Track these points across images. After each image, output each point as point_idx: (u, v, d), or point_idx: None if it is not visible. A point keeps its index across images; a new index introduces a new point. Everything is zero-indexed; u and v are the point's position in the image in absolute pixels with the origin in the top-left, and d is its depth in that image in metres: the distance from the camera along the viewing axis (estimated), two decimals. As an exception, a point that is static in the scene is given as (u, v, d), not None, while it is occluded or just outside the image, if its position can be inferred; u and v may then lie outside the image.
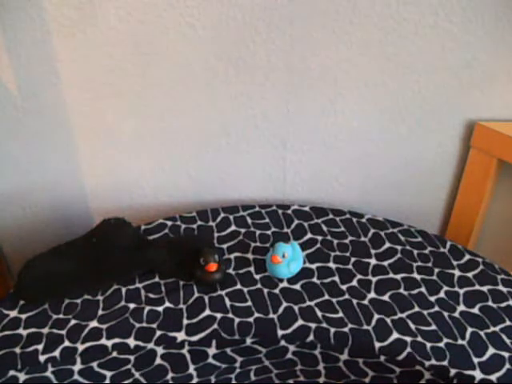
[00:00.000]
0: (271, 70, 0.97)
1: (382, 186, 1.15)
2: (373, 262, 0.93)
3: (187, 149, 1.07)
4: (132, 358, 0.77)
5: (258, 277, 0.88)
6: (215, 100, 1.00)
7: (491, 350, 0.75)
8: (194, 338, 0.77)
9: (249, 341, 0.78)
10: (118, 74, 0.95)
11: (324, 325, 0.79)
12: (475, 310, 0.82)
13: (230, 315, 0.80)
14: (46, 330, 0.78)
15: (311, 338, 0.77)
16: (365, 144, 1.08)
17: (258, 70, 0.97)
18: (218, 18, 0.91)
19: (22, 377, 0.72)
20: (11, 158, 1.02)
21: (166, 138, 1.04)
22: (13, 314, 0.81)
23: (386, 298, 0.85)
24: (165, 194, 1.13)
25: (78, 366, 0.75)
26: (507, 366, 0.73)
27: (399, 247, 0.96)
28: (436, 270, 0.91)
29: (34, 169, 1.05)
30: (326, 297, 0.84)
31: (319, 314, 0.81)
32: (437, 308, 0.83)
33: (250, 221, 1.03)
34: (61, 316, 0.80)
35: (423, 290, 0.86)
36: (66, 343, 0.75)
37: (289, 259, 0.86)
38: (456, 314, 0.82)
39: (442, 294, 0.85)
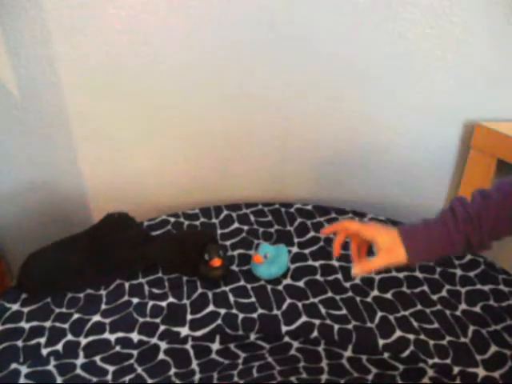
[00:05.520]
0: (271, 70, 0.98)
1: (383, 186, 1.15)
2: (375, 260, 0.93)
3: (188, 148, 1.07)
4: (135, 352, 0.76)
5: (261, 273, 0.88)
6: (216, 99, 1.01)
7: (493, 348, 0.76)
8: (198, 333, 0.77)
9: (253, 336, 0.78)
10: (117, 74, 0.95)
11: (328, 321, 0.79)
12: (477, 309, 0.83)
13: (234, 311, 0.80)
14: (48, 324, 0.77)
15: (315, 334, 0.77)
16: (366, 144, 1.09)
17: (258, 70, 0.98)
18: (218, 18, 0.91)
19: (24, 370, 0.71)
20: (11, 157, 1.02)
21: (166, 137, 1.04)
22: (15, 307, 0.80)
23: (388, 295, 0.85)
24: (165, 194, 1.13)
25: (80, 360, 0.74)
26: (510, 363, 0.73)
27: (401, 246, 0.96)
28: (438, 269, 0.91)
29: (34, 169, 1.04)
30: (330, 294, 0.84)
31: (323, 310, 0.81)
32: (439, 306, 0.83)
33: (253, 218, 1.03)
34: (63, 310, 0.80)
35: (425, 288, 0.87)
36: (69, 337, 0.75)
37: (270, 261, 0.85)
38: (458, 313, 0.82)
39: (444, 293, 0.86)
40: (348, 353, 0.79)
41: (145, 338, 0.76)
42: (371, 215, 1.05)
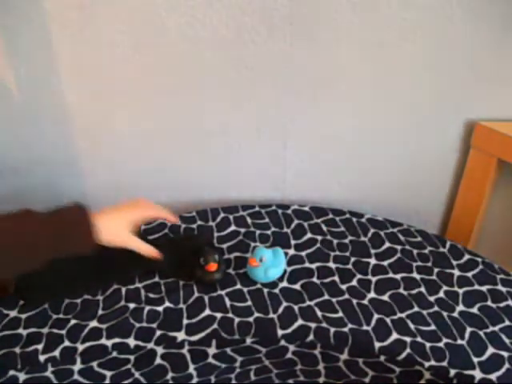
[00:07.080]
0: (271, 70, 0.97)
1: (382, 186, 1.15)
2: (372, 261, 0.93)
3: (187, 149, 1.07)
4: (132, 357, 0.77)
5: (257, 277, 0.88)
6: (215, 100, 1.01)
7: (490, 350, 0.75)
8: (194, 338, 0.77)
9: (249, 340, 0.78)
10: (117, 74, 0.95)
11: (324, 324, 0.79)
12: (474, 310, 0.83)
13: (230, 315, 0.80)
14: (45, 330, 0.78)
15: (311, 337, 0.77)
16: (365, 144, 1.08)
17: (258, 70, 0.97)
18: (218, 19, 0.91)
19: (21, 376, 0.72)
20: (11, 158, 1.02)
21: (165, 137, 1.04)
22: (13, 313, 0.81)
23: (385, 297, 0.85)
24: (164, 194, 1.13)
25: (77, 366, 0.75)
26: (507, 365, 0.73)
27: (399, 247, 0.96)
28: (435, 270, 0.91)
29: (34, 169, 1.05)
30: (326, 296, 0.84)
31: (319, 313, 0.81)
32: (436, 308, 0.83)
33: (249, 221, 1.03)
34: (61, 316, 0.80)
35: (423, 289, 0.86)
36: (66, 343, 0.75)
37: (267, 264, 0.85)
38: (455, 314, 0.82)
39: (441, 294, 0.86)
40: (344, 356, 0.79)
41: (141, 344, 0.76)
42: (369, 215, 1.05)
